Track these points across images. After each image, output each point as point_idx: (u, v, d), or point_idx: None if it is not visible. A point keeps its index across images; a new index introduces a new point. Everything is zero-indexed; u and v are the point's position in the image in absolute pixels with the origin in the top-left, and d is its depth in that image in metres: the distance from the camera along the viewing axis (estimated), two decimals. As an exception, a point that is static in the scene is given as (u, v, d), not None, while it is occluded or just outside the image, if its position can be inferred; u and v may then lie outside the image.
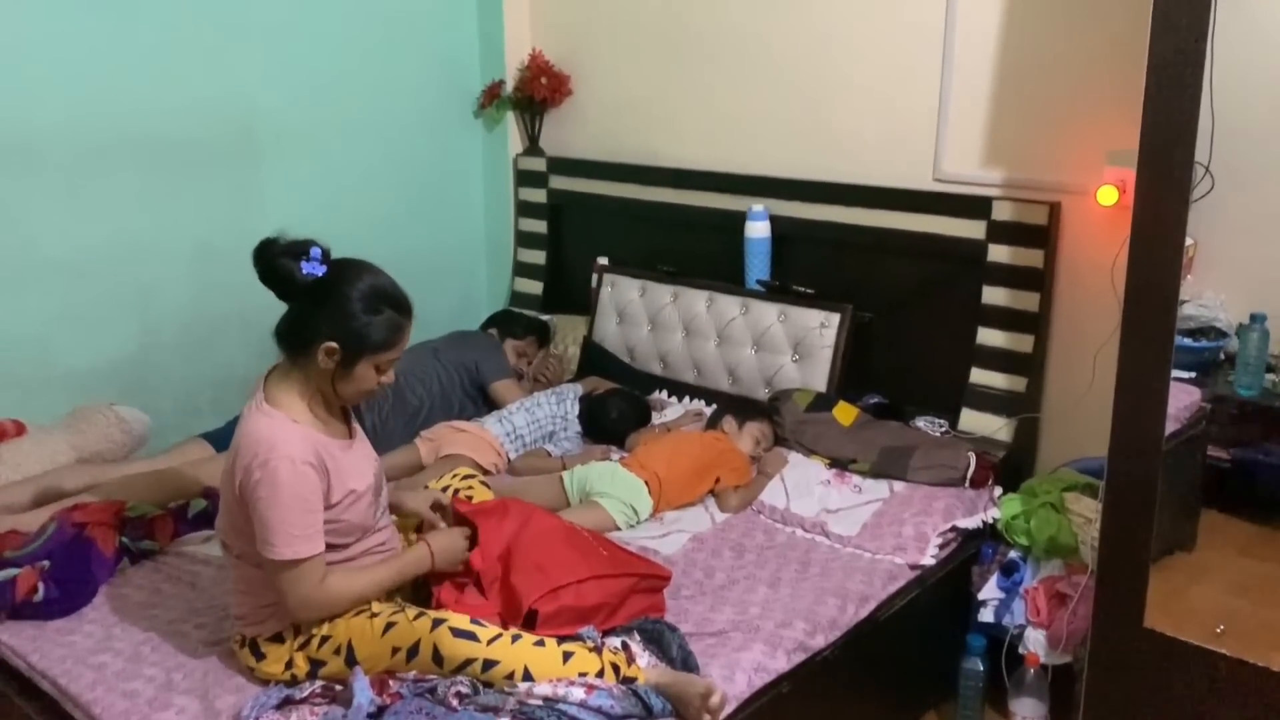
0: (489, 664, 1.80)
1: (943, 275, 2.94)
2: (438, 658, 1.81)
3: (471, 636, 1.82)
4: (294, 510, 1.78)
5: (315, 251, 1.81)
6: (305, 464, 1.80)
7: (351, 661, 1.86)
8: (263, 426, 1.82)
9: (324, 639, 1.89)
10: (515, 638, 1.85)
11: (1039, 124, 2.73)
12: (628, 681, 1.84)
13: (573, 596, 1.99)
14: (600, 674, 1.83)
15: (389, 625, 1.85)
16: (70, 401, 2.88)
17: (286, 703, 1.80)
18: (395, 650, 1.84)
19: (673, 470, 2.66)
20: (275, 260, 1.81)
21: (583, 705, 1.76)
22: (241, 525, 1.85)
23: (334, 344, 1.81)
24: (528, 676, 1.80)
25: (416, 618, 1.85)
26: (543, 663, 1.82)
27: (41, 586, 2.14)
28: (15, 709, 2.02)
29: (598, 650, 1.87)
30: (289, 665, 1.90)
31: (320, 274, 1.81)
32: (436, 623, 1.83)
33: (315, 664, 1.90)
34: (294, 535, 1.78)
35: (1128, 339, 2.02)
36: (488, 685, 1.80)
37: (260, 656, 1.92)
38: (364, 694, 1.75)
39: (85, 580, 2.22)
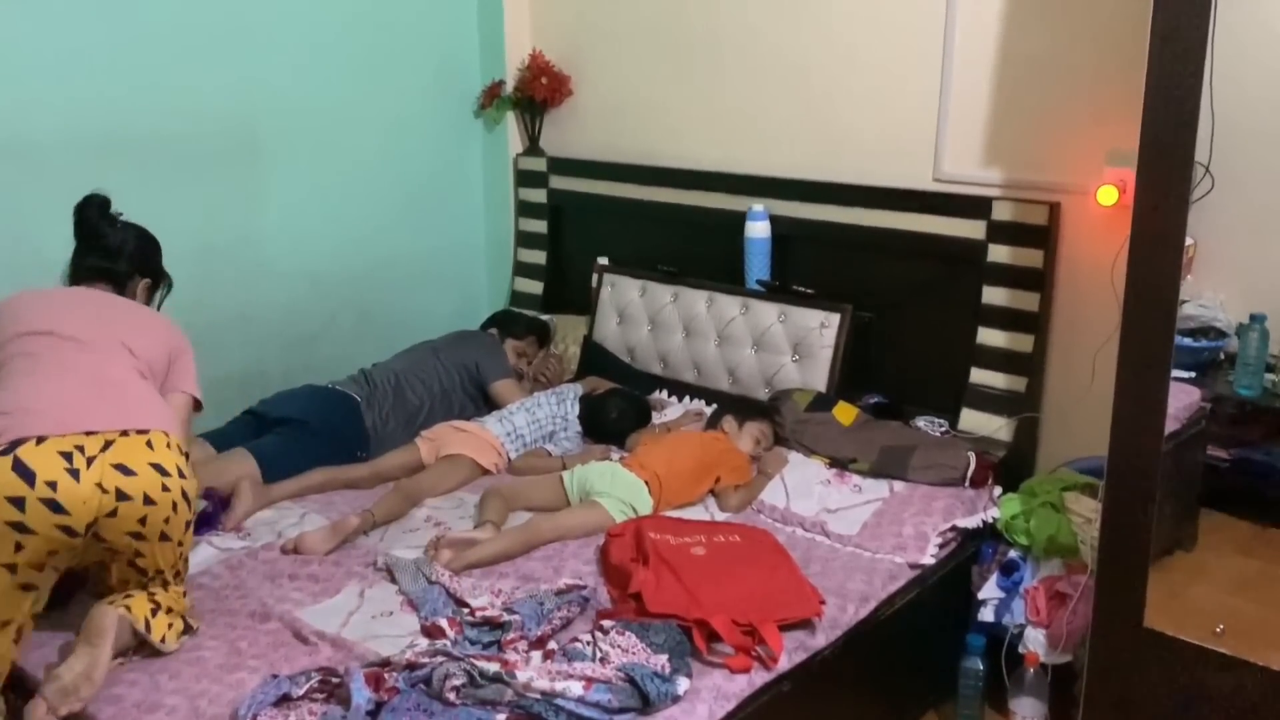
0: None
1: (943, 275, 2.94)
2: None
3: None
4: None
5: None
6: None
7: None
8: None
9: None
10: None
11: (1039, 124, 2.73)
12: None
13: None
14: None
15: None
16: (70, 401, 2.87)
17: (284, 700, 1.80)
18: None
19: (673, 470, 2.66)
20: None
21: (580, 700, 1.76)
22: (161, 370, 2.26)
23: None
24: None
25: None
26: None
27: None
28: (7, 708, 2.01)
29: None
30: None
31: None
32: None
33: None
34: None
35: (1128, 339, 2.02)
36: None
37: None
38: (360, 694, 1.75)
39: (80, 579, 2.21)
